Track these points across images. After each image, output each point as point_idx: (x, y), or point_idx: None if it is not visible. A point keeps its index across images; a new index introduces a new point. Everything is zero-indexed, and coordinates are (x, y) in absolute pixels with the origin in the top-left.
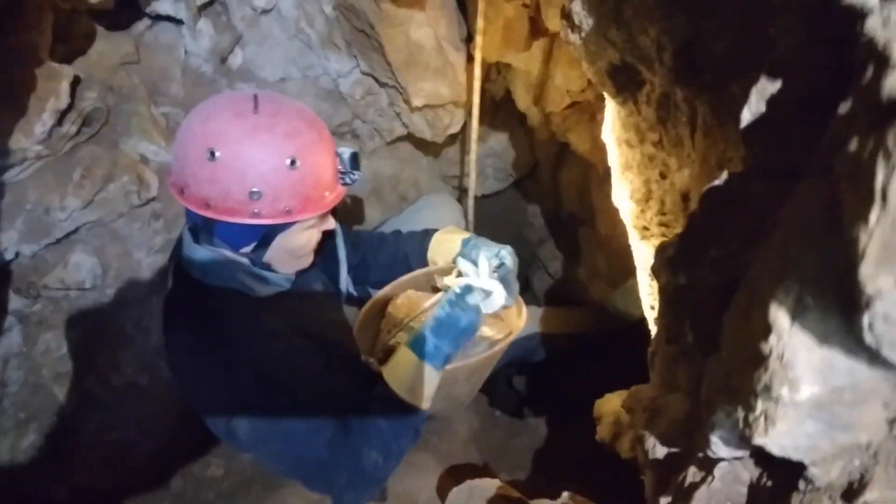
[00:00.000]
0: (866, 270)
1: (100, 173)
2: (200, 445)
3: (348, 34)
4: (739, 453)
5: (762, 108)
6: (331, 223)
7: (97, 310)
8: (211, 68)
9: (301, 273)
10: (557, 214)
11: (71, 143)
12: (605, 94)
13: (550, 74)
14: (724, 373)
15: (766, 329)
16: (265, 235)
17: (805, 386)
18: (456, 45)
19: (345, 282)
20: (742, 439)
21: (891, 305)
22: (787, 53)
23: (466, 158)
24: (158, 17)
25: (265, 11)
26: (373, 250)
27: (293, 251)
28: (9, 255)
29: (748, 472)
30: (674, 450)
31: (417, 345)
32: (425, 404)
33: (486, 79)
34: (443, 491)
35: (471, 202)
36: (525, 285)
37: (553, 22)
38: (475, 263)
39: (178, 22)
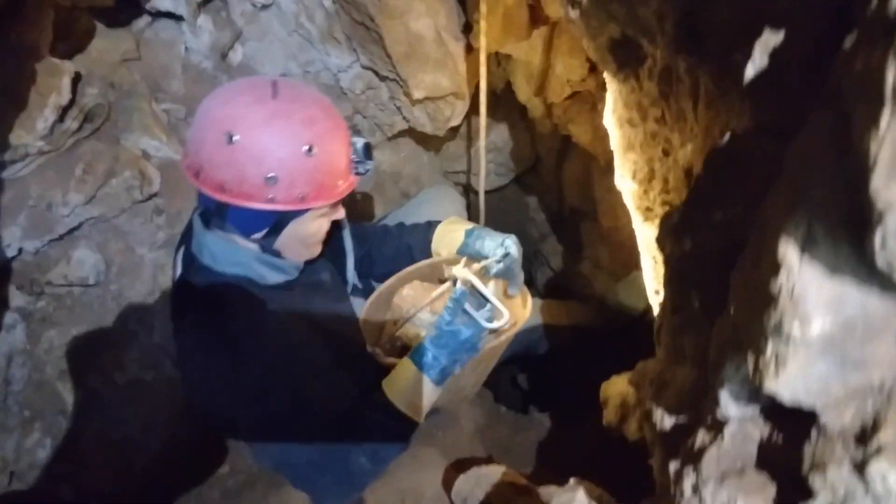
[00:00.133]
0: (878, 181)
1: (102, 169)
2: (205, 443)
3: (348, 27)
4: (749, 410)
5: (766, 63)
6: (341, 212)
7: (100, 306)
8: (211, 64)
9: (309, 263)
10: (559, 209)
11: (73, 139)
12: (606, 74)
13: (551, 64)
14: (731, 329)
15: (775, 268)
16: (277, 222)
17: (816, 320)
18: (455, 35)
19: (352, 273)
20: (752, 393)
21: None
22: (790, 4)
23: (469, 153)
24: (158, 14)
25: (265, 7)
26: (377, 243)
27: (304, 239)
28: (11, 252)
29: (758, 429)
30: (682, 421)
31: (417, 355)
32: (421, 417)
33: (487, 70)
34: (449, 485)
35: (481, 193)
36: (528, 281)
37: (553, 9)
38: (480, 254)
39: (179, 18)
